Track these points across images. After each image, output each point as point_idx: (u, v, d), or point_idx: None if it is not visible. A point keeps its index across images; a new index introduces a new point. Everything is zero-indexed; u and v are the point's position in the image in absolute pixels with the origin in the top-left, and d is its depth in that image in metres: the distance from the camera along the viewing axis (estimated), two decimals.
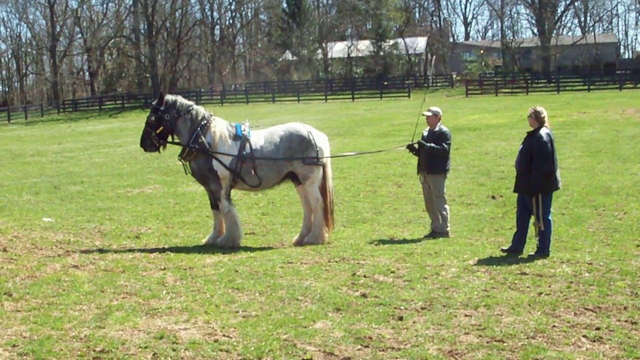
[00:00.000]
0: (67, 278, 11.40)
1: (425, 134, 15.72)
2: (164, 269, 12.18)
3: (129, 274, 11.76)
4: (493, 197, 20.28)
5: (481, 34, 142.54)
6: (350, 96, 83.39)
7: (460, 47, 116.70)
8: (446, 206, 15.61)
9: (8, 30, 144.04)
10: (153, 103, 15.30)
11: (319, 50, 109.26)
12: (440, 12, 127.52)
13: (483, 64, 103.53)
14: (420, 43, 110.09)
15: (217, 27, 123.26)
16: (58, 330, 8.74)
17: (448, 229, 15.50)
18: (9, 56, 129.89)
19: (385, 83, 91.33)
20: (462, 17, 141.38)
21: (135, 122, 59.28)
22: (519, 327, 8.83)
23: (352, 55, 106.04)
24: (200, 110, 15.22)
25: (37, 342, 8.27)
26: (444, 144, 15.35)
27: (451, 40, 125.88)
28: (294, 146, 15.03)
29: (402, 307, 9.71)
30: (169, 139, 15.29)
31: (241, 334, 8.63)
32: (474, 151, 31.08)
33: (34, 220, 17.51)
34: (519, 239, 13.12)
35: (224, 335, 8.60)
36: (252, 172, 14.90)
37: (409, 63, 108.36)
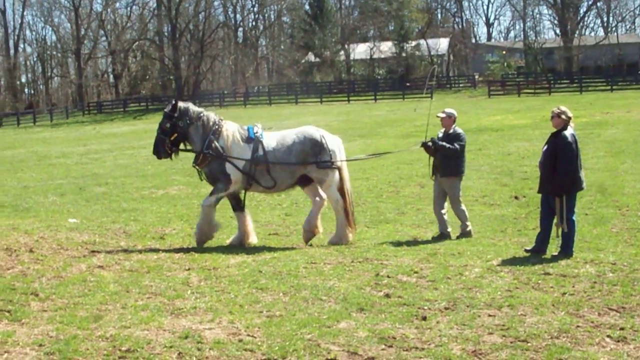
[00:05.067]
0: (93, 278, 11.47)
1: (440, 135, 15.68)
2: (189, 269, 12.23)
3: (154, 274, 11.82)
4: (516, 198, 20.23)
5: (503, 34, 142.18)
6: (373, 97, 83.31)
7: (482, 48, 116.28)
8: (462, 207, 15.54)
9: (33, 33, 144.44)
10: (165, 110, 15.27)
11: (342, 52, 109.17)
12: (463, 13, 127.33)
13: (505, 64, 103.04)
14: (442, 44, 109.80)
15: (240, 29, 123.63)
16: (84, 329, 8.79)
17: (469, 228, 15.47)
18: (35, 59, 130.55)
19: (408, 84, 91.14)
20: (484, 18, 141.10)
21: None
22: (543, 327, 8.83)
23: (375, 56, 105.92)
24: (211, 115, 15.21)
25: (64, 341, 8.32)
26: (457, 145, 15.29)
27: (473, 41, 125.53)
28: (307, 150, 15.02)
29: (425, 307, 9.71)
30: (181, 146, 15.32)
31: (265, 334, 8.66)
32: (496, 152, 31.01)
33: (60, 221, 17.62)
34: (543, 239, 13.08)
35: (248, 335, 8.63)
36: (267, 174, 14.92)
37: (431, 64, 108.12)
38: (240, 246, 14.70)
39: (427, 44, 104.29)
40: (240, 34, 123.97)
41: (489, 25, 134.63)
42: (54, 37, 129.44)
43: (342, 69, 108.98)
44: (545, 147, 13.03)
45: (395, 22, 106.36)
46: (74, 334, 8.61)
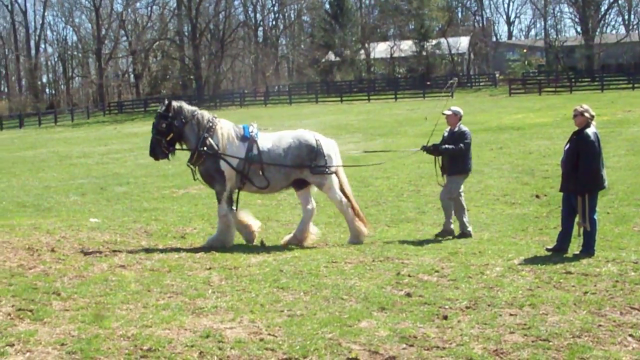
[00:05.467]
0: (114, 278, 11.50)
1: (446, 134, 15.64)
2: (210, 268, 12.25)
3: (175, 274, 11.84)
4: (537, 197, 20.16)
5: (524, 32, 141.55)
6: (393, 96, 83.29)
7: (503, 46, 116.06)
8: (451, 203, 15.37)
9: (54, 33, 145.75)
10: (159, 110, 15.16)
11: (362, 51, 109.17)
12: (483, 12, 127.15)
13: (526, 63, 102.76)
14: (463, 43, 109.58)
15: (260, 28, 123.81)
16: (105, 329, 8.81)
17: (452, 226, 15.37)
18: (56, 59, 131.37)
19: (428, 83, 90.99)
20: (505, 16, 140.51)
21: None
22: (565, 326, 8.79)
23: (395, 55, 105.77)
24: (205, 113, 15.17)
25: (85, 340, 8.35)
26: (461, 144, 15.23)
27: (494, 39, 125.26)
28: (303, 155, 14.95)
29: (446, 306, 9.70)
30: (177, 145, 15.26)
31: (286, 333, 8.67)
32: (517, 150, 30.91)
33: (81, 221, 17.68)
34: (564, 238, 13.04)
35: (269, 334, 8.64)
36: (260, 174, 14.87)
37: (452, 63, 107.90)
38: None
39: (447, 42, 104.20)
40: (260, 33, 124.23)
41: (509, 23, 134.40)
42: (74, 37, 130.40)
43: (362, 68, 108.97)
44: (568, 145, 12.98)
45: (416, 21, 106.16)
46: (96, 333, 8.64)
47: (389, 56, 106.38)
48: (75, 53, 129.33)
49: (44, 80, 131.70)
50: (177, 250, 14.07)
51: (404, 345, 8.25)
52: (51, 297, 10.28)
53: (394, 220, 17.79)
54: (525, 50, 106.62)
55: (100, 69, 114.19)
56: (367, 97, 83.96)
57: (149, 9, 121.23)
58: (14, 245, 14.06)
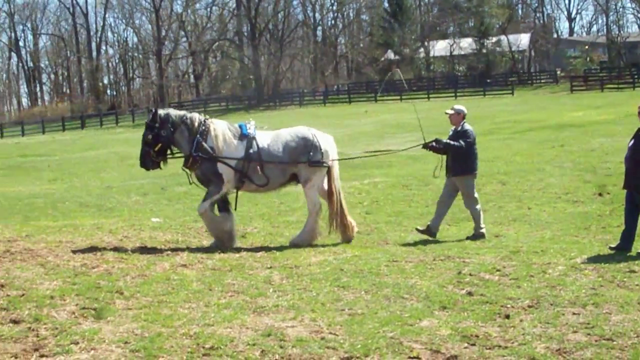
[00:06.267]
0: (176, 277, 11.58)
1: (450, 133, 15.56)
2: (270, 267, 12.28)
3: (236, 273, 11.89)
4: (600, 194, 19.91)
5: (586, 29, 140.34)
6: (453, 94, 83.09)
7: (564, 43, 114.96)
8: (477, 207, 15.35)
9: (115, 35, 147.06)
10: (147, 121, 15.04)
11: (421, 49, 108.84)
12: (544, 8, 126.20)
13: (588, 59, 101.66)
14: (523, 40, 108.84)
15: (319, 28, 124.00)
16: (168, 327, 8.87)
17: (482, 230, 15.24)
18: (117, 61, 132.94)
19: (488, 81, 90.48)
20: (566, 13, 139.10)
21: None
22: (629, 325, 8.67)
23: (454, 53, 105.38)
24: (195, 116, 15.01)
25: (148, 339, 8.41)
26: (462, 141, 15.11)
27: (555, 36, 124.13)
28: (300, 148, 14.90)
29: (508, 305, 9.62)
30: (168, 153, 15.19)
31: (347, 332, 8.66)
32: (579, 148, 30.56)
33: (143, 221, 17.84)
34: (628, 237, 12.87)
35: (330, 333, 8.63)
36: (260, 171, 14.80)
37: (512, 60, 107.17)
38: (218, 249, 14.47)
39: (507, 39, 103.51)
40: (319, 32, 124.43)
41: (570, 19, 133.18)
42: (135, 39, 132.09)
43: (421, 66, 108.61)
44: (632, 142, 12.80)
45: (475, 18, 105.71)
46: (158, 331, 8.70)
47: (448, 54, 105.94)
48: (136, 54, 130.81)
49: (105, 81, 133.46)
50: (238, 249, 14.13)
51: (466, 344, 8.20)
52: (114, 295, 10.37)
53: (455, 219, 17.68)
54: (586, 47, 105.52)
55: (160, 69, 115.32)
56: (426, 96, 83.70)
57: (209, 9, 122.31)
58: (77, 244, 14.23)
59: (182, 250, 13.89)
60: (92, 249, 13.63)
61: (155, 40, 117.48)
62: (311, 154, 14.90)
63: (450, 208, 15.75)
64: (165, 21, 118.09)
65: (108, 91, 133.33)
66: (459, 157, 15.17)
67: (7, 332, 8.59)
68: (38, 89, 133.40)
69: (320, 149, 15.01)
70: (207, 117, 15.25)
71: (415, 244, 14.61)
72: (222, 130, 14.94)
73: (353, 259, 12.75)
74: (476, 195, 15.55)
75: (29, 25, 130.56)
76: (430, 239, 15.06)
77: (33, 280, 11.03)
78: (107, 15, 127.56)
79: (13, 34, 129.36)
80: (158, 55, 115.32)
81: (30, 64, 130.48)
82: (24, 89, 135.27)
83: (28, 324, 8.92)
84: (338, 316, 9.32)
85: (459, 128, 15.41)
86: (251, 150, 14.78)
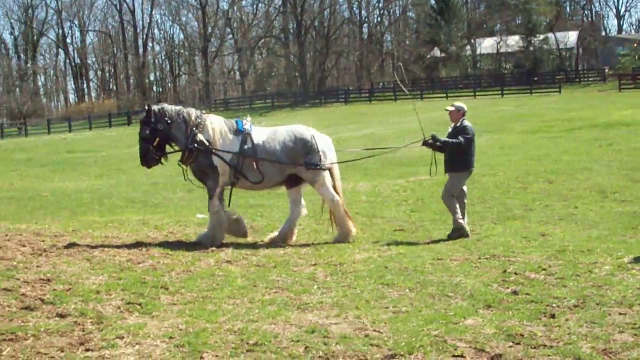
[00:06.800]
0: (221, 273, 11.63)
1: (450, 130, 15.47)
2: (315, 264, 12.31)
3: (281, 270, 11.92)
4: None
5: (635, 27, 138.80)
6: (500, 92, 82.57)
7: (612, 41, 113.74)
8: (454, 200, 15.14)
9: (162, 32, 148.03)
10: (142, 118, 14.95)
11: (468, 47, 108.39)
12: (592, 6, 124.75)
13: (637, 57, 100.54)
14: (571, 38, 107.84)
15: (366, 25, 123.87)
16: (213, 323, 8.91)
17: (460, 223, 15.03)
18: (163, 58, 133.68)
19: (536, 79, 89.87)
20: (614, 10, 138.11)
21: (285, 120, 59.82)
22: None
23: (502, 51, 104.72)
24: (192, 111, 14.98)
25: (193, 334, 8.45)
26: (461, 138, 14.99)
27: (603, 34, 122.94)
28: (298, 149, 14.85)
29: (554, 305, 9.55)
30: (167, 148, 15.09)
31: (392, 330, 8.63)
32: (627, 147, 30.27)
33: (188, 217, 17.94)
34: None
35: (374, 331, 8.62)
36: (255, 168, 14.74)
37: (560, 58, 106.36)
38: (196, 242, 14.58)
39: (555, 37, 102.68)
40: (365, 30, 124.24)
41: (619, 17, 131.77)
42: (181, 36, 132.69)
43: (468, 64, 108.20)
44: None
45: (523, 16, 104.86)
46: (203, 327, 8.73)
47: (495, 52, 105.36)
48: (182, 51, 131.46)
49: (152, 78, 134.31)
50: (283, 246, 14.18)
51: (511, 344, 8.15)
52: (159, 291, 10.43)
53: (501, 218, 17.60)
54: (635, 45, 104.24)
55: (206, 66, 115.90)
56: (473, 94, 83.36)
57: (255, 6, 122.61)
58: (123, 240, 14.34)
59: (227, 246, 13.97)
60: (138, 245, 13.76)
61: (201, 37, 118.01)
62: (309, 156, 14.91)
63: (466, 199, 15.61)
64: (211, 18, 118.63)
65: (154, 88, 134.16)
66: (457, 154, 15.10)
67: (54, 326, 8.67)
68: (85, 85, 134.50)
69: (319, 151, 15.00)
70: (204, 112, 15.26)
71: (460, 242, 14.54)
72: (218, 124, 14.94)
73: (398, 257, 12.73)
74: (465, 189, 15.53)
75: (76, 22, 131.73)
76: (471, 237, 14.98)
77: (79, 275, 11.15)
78: (154, 12, 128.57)
79: (61, 31, 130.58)
80: (204, 53, 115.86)
81: (78, 61, 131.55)
82: (71, 85, 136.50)
83: (74, 318, 9.00)
84: (382, 314, 9.31)
85: (459, 124, 15.36)
86: (246, 146, 14.75)
